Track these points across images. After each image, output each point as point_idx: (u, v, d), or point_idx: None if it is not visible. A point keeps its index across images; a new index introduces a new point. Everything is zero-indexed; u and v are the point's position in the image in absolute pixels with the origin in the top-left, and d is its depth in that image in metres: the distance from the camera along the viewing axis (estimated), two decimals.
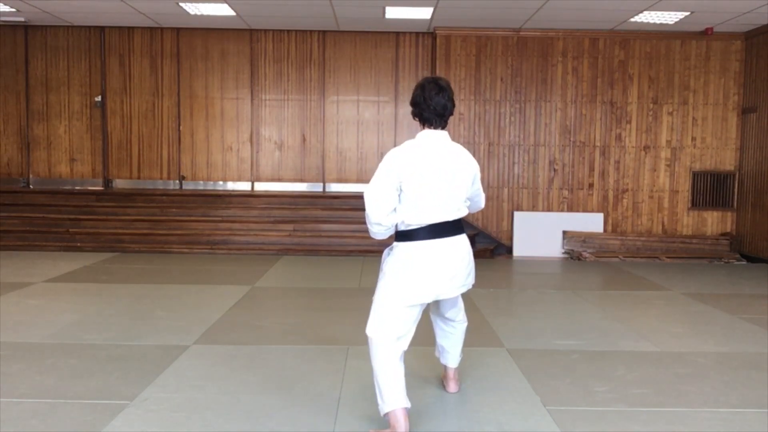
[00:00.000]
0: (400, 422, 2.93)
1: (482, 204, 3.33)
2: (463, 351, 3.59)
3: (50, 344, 4.36)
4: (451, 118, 3.14)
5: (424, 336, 3.76)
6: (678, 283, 7.14)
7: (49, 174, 9.85)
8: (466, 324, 3.53)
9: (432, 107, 2.98)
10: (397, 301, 2.96)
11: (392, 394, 2.93)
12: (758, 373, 4.03)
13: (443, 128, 3.06)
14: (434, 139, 3.01)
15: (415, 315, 3.02)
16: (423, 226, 2.96)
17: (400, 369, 2.97)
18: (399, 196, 2.97)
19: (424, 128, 3.05)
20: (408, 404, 2.99)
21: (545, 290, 6.75)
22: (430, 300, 3.05)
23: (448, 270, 3.01)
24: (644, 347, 4.57)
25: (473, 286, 3.29)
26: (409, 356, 3.86)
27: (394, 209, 2.97)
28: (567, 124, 9.26)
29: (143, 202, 9.36)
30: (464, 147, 3.22)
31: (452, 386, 3.63)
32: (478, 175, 3.17)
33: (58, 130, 9.81)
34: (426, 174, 2.93)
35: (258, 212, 9.29)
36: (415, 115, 3.07)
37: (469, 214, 3.23)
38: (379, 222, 2.96)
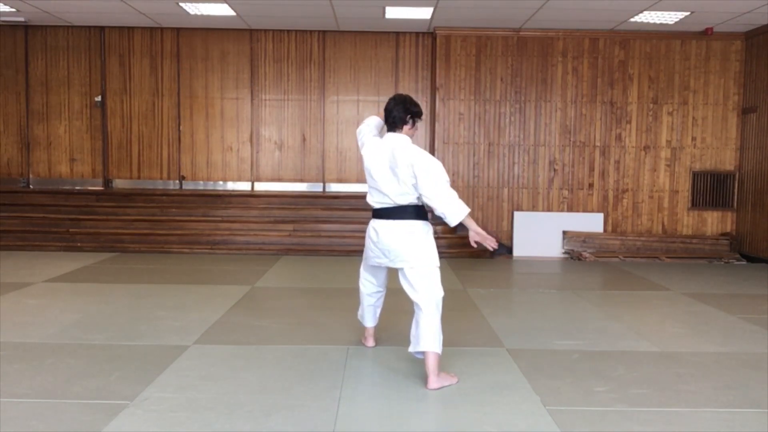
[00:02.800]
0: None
1: (439, 201, 3.60)
2: (431, 345, 3.58)
3: (50, 344, 4.36)
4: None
5: None
6: (678, 283, 7.14)
7: (49, 174, 9.85)
8: (425, 315, 3.63)
9: (392, 117, 3.88)
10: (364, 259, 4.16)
11: (361, 316, 4.31)
12: (758, 373, 4.03)
13: (402, 131, 3.88)
14: (391, 139, 3.86)
15: (374, 272, 4.13)
16: (374, 207, 3.93)
17: (370, 303, 4.23)
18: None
19: (388, 131, 3.92)
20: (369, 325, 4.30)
21: (545, 290, 6.74)
22: (373, 263, 3.98)
23: (381, 245, 3.84)
24: (644, 347, 4.57)
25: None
26: (408, 357, 3.91)
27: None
28: (567, 124, 9.26)
29: (143, 202, 9.36)
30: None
31: (428, 381, 3.61)
32: (420, 169, 3.61)
33: (58, 130, 9.81)
34: (374, 164, 3.86)
35: (258, 212, 9.29)
36: (385, 120, 3.97)
37: (469, 215, 3.63)
38: None
